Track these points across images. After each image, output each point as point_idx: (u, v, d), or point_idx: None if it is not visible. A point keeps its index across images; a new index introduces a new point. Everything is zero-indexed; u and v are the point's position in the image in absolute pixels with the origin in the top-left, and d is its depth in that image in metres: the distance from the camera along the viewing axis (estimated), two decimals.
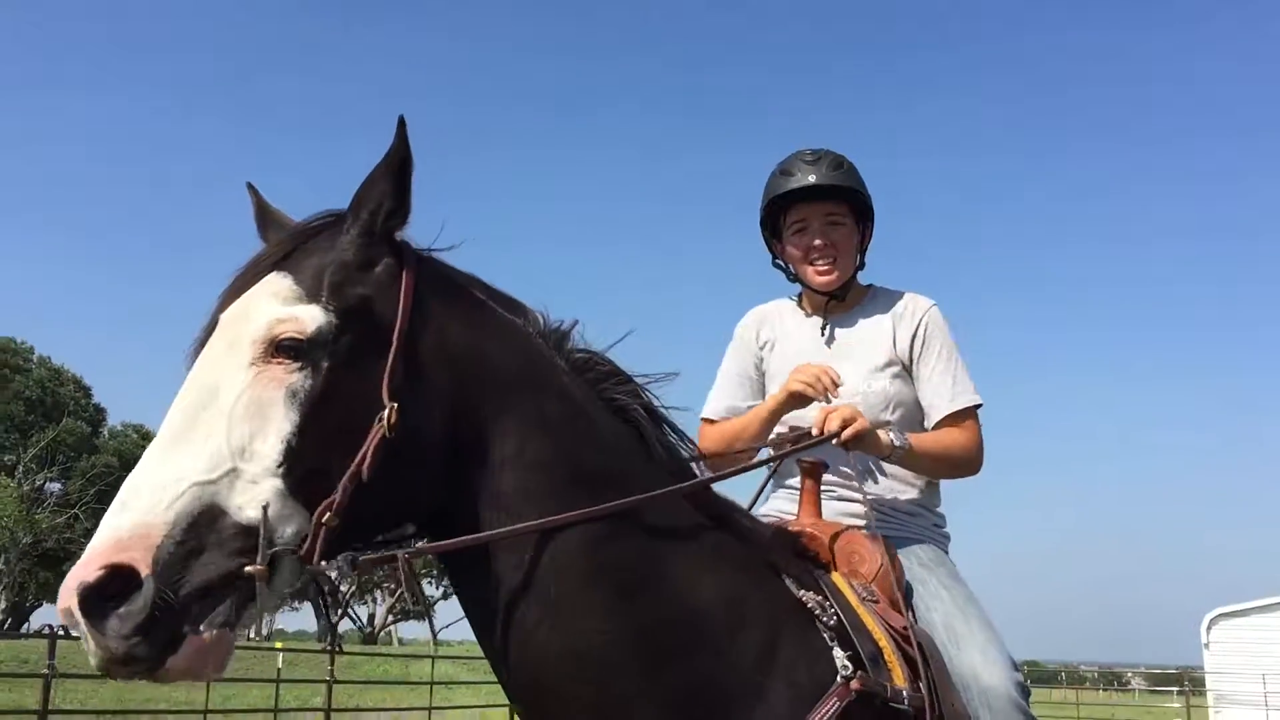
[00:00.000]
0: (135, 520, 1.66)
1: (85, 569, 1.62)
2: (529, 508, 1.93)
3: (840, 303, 2.94)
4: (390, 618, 65.30)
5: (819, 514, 2.58)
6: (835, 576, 2.34)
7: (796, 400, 2.65)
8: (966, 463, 2.77)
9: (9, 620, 47.85)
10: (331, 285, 1.88)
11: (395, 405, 1.81)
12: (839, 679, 2.02)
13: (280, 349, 1.81)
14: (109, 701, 23.05)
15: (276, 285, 1.88)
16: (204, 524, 1.68)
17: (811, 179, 2.83)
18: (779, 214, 2.94)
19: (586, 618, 1.92)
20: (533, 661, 1.92)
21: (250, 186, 2.15)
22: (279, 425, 1.77)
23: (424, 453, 1.88)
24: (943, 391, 2.77)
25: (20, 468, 48.82)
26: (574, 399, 2.09)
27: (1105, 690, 55.44)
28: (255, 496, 1.72)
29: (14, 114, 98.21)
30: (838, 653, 2.06)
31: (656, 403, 2.21)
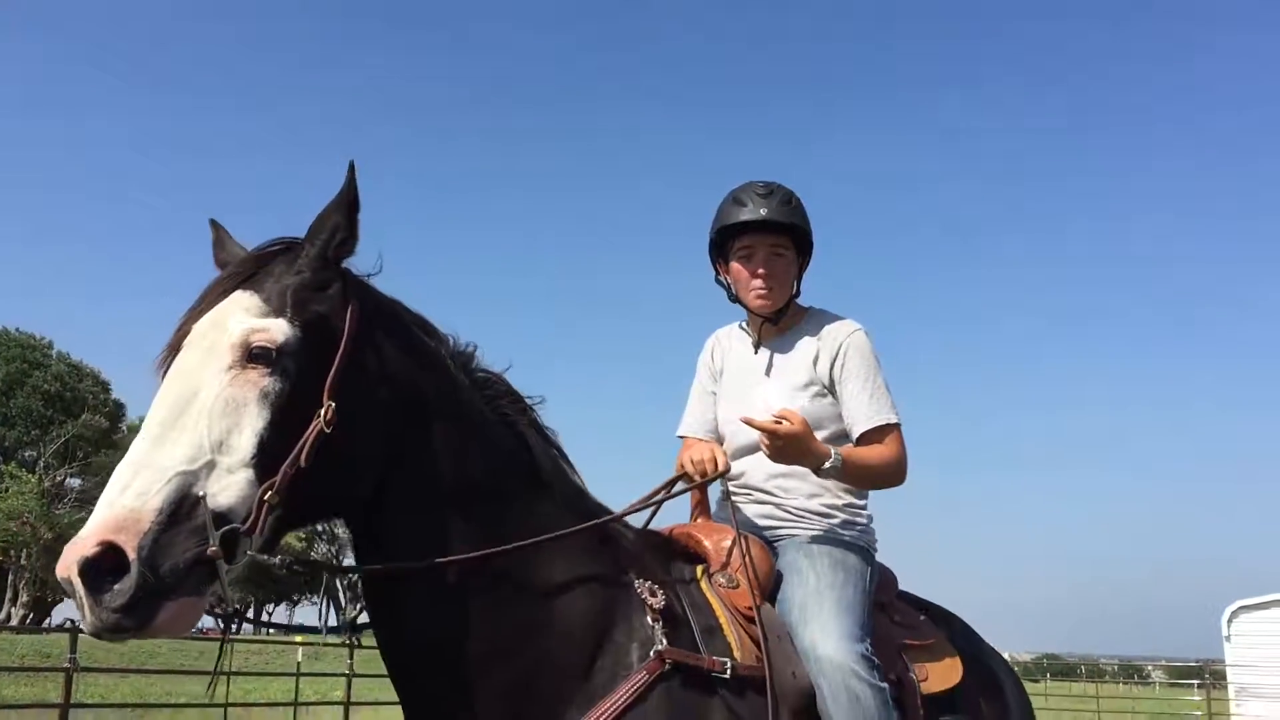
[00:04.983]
0: (129, 505, 1.90)
1: (84, 545, 1.86)
2: (436, 515, 2.31)
3: (776, 325, 3.18)
4: None
5: (708, 516, 3.04)
6: (701, 570, 2.73)
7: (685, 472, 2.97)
8: (889, 475, 2.98)
9: (31, 615, 48.20)
10: (295, 303, 2.18)
11: (333, 405, 2.11)
12: (652, 653, 2.36)
13: (254, 356, 2.09)
14: (130, 695, 23.17)
15: (246, 301, 2.16)
16: (184, 510, 1.94)
17: (763, 212, 3.05)
18: (729, 238, 3.16)
19: (461, 612, 2.29)
20: (413, 644, 2.30)
21: (213, 223, 2.45)
22: (253, 422, 2.05)
23: (361, 451, 2.20)
24: (861, 409, 2.99)
25: (41, 463, 49.12)
26: (475, 417, 2.46)
27: (1126, 683, 55.30)
28: (228, 485, 1.99)
29: (40, 107, 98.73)
30: (659, 632, 2.40)
31: (541, 420, 2.62)
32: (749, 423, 2.75)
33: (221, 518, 1.95)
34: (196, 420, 2.01)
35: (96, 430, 51.06)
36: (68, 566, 1.85)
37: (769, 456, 2.78)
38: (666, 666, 2.36)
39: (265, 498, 1.99)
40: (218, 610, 2.05)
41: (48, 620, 49.89)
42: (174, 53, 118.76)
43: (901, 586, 3.27)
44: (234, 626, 2.16)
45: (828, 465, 2.77)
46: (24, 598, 47.50)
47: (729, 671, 2.44)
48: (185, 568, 1.90)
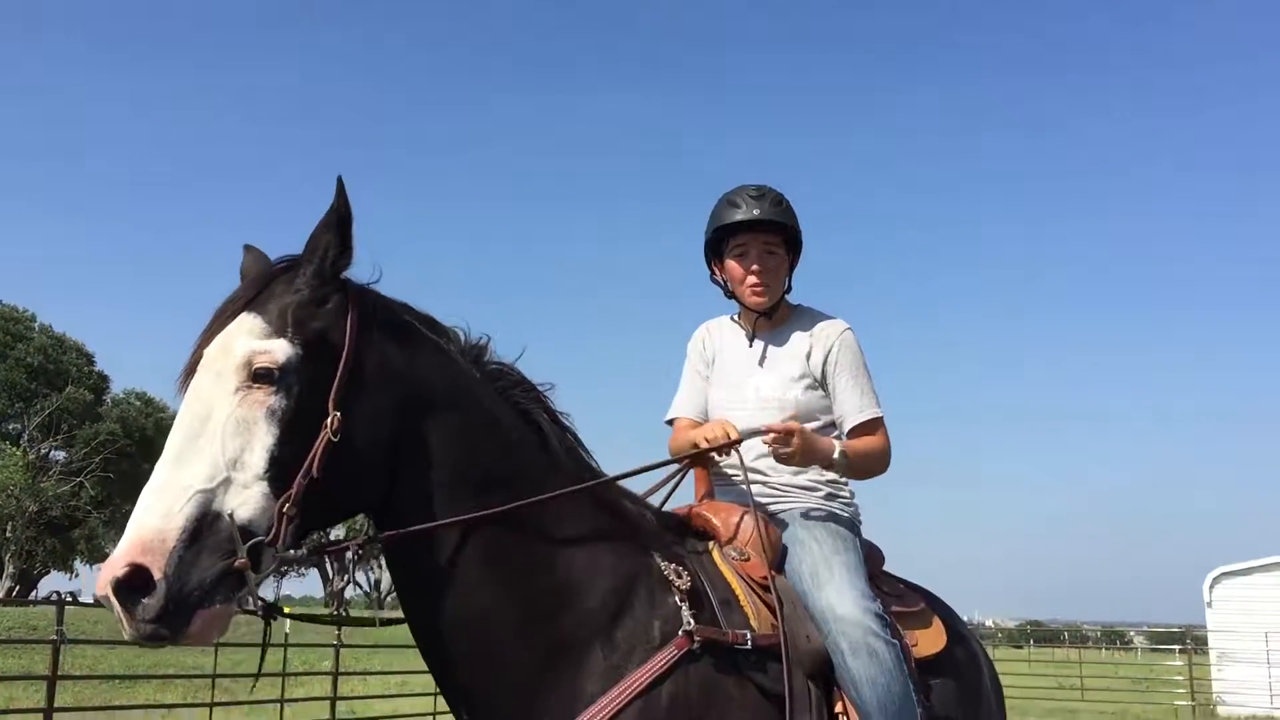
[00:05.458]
0: (154, 526, 2.07)
1: (114, 566, 2.04)
2: (449, 505, 2.41)
3: (769, 320, 3.35)
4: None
5: (712, 495, 3.20)
6: (712, 544, 2.88)
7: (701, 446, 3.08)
8: (880, 465, 3.21)
9: (17, 588, 48.10)
10: (295, 322, 2.31)
11: (338, 415, 2.26)
12: (681, 632, 2.49)
13: (258, 376, 2.24)
14: (118, 667, 23.23)
15: (250, 324, 2.30)
16: (205, 525, 2.11)
17: (756, 213, 3.23)
18: (723, 239, 3.33)
19: (483, 592, 2.42)
20: (441, 624, 2.43)
21: (247, 248, 2.56)
22: (263, 439, 2.20)
23: (369, 455, 2.33)
24: (852, 405, 3.21)
25: (25, 436, 48.89)
26: (486, 409, 2.57)
27: (1108, 649, 55.82)
28: (246, 499, 2.15)
29: (11, 74, 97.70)
30: (685, 612, 2.52)
31: (554, 407, 2.73)
32: (770, 428, 2.93)
33: (245, 531, 2.12)
34: (211, 441, 2.17)
35: (80, 403, 50.70)
36: (103, 586, 2.04)
37: (780, 461, 3.00)
38: (695, 644, 2.50)
39: (284, 510, 2.16)
40: (250, 609, 2.19)
41: (34, 592, 49.84)
42: (148, 17, 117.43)
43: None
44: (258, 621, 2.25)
45: (835, 457, 3.00)
46: (10, 570, 47.37)
47: (749, 643, 2.59)
48: (213, 580, 2.08)
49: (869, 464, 3.16)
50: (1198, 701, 25.05)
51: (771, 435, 2.92)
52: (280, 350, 2.26)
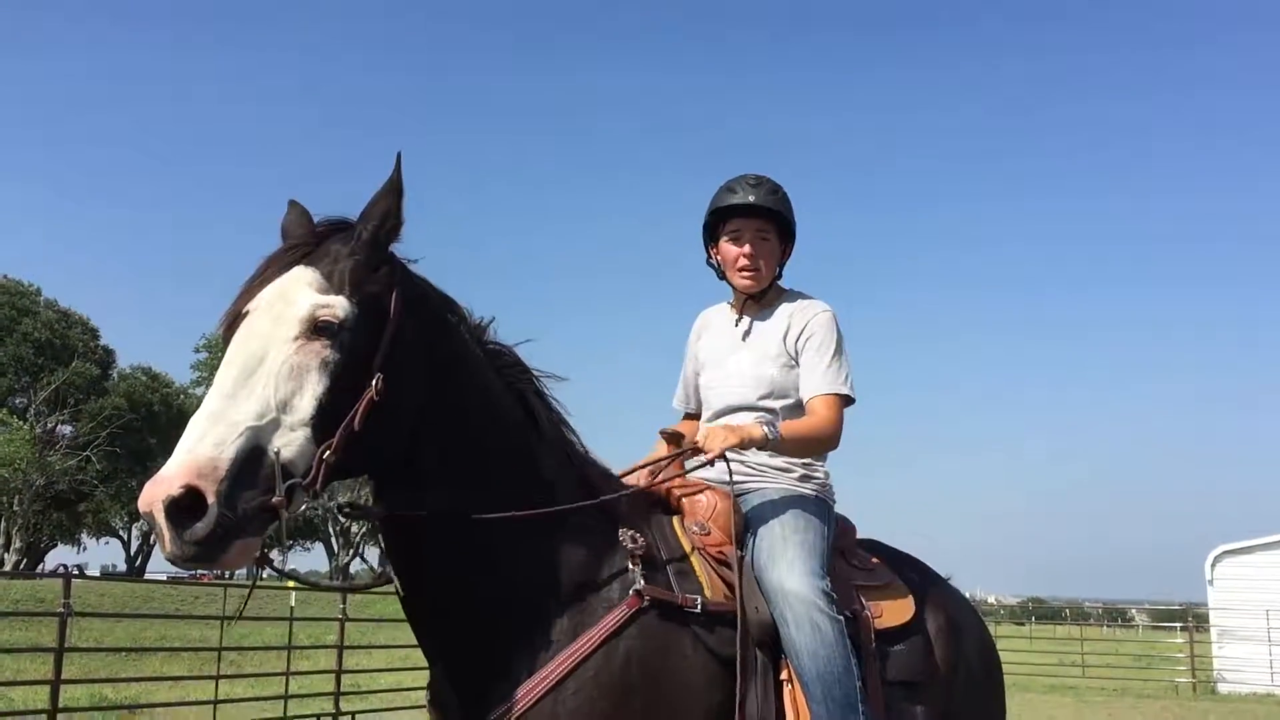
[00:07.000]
0: (208, 454, 2.15)
1: (169, 484, 2.10)
2: (462, 471, 2.62)
3: (758, 303, 3.50)
4: None
5: (684, 476, 3.29)
6: (675, 519, 3.07)
7: None
8: (824, 442, 3.27)
9: (24, 561, 48.33)
10: (353, 282, 2.43)
11: (382, 376, 2.38)
12: (632, 591, 2.70)
13: (319, 329, 2.35)
14: (124, 639, 23.35)
15: (308, 277, 2.41)
16: (252, 461, 2.19)
17: (751, 199, 3.39)
18: (720, 222, 3.47)
19: (472, 553, 2.62)
20: (428, 579, 2.62)
21: (292, 203, 2.66)
22: (314, 387, 2.31)
23: (401, 418, 2.47)
24: (815, 377, 3.28)
25: (32, 410, 49.00)
26: (491, 388, 2.77)
27: (1109, 626, 55.90)
28: (291, 441, 2.24)
29: (18, 48, 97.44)
30: (638, 574, 2.73)
31: (545, 389, 2.93)
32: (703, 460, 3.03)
33: (285, 471, 2.21)
34: (264, 382, 2.27)
35: (87, 377, 50.75)
36: (150, 503, 2.09)
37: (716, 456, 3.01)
38: (645, 602, 2.71)
39: (325, 456, 2.27)
40: (271, 557, 2.31)
41: (41, 566, 50.10)
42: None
43: (888, 532, 3.57)
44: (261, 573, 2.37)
45: (767, 435, 3.05)
46: (17, 544, 47.58)
47: (700, 607, 2.79)
48: (252, 512, 2.16)
49: (806, 444, 3.22)
50: (1198, 679, 25.07)
51: (702, 458, 3.01)
52: (340, 307, 2.38)
